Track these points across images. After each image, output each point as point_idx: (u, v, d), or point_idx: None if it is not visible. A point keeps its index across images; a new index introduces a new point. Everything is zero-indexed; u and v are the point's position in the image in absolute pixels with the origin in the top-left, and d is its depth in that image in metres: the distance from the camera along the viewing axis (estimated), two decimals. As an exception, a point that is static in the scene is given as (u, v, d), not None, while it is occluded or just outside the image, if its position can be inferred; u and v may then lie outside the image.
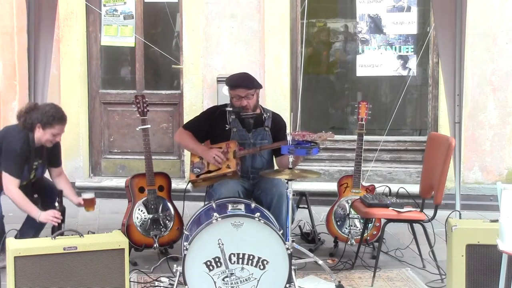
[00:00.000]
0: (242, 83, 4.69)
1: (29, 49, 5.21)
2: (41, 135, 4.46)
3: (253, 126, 4.67)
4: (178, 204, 4.89)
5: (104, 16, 7.06)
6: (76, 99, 7.14)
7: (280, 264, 3.72)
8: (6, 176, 4.41)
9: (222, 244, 3.69)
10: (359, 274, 4.57)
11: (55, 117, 4.47)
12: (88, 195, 4.46)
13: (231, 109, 4.66)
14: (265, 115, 4.78)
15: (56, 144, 4.67)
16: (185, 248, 3.68)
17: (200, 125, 4.79)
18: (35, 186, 4.67)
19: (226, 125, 4.69)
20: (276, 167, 4.90)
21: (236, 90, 4.66)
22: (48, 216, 4.33)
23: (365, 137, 5.06)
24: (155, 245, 4.75)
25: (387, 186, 5.00)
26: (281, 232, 3.81)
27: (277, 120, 4.83)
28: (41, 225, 4.73)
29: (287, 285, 3.75)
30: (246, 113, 4.61)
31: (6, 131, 4.67)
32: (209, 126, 4.75)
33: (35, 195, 4.59)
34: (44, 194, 4.73)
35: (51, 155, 4.69)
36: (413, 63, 6.77)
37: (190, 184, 4.75)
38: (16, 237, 3.73)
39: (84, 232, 3.79)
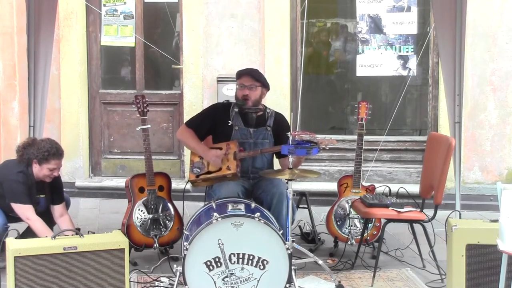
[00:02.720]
0: (248, 72, 4.74)
1: (29, 49, 5.20)
2: (38, 170, 4.48)
3: (255, 124, 4.67)
4: (178, 204, 4.89)
5: (104, 16, 7.06)
6: (76, 99, 7.14)
7: (280, 264, 3.72)
8: (18, 207, 4.41)
9: (222, 244, 3.69)
10: (359, 274, 4.57)
11: (50, 152, 4.47)
12: None
13: (235, 101, 4.68)
14: (267, 114, 4.78)
15: (58, 180, 4.68)
16: (185, 248, 3.68)
17: (202, 122, 4.79)
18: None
19: (229, 121, 4.69)
20: (276, 167, 4.90)
21: (241, 79, 4.68)
22: None
23: (365, 137, 5.05)
24: (155, 245, 4.75)
25: (387, 186, 5.00)
26: (281, 232, 3.81)
27: (279, 119, 4.82)
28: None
29: (287, 285, 3.75)
30: (249, 108, 4.61)
31: (5, 165, 4.70)
32: (212, 123, 4.75)
33: None
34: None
35: (54, 191, 4.68)
36: (413, 63, 6.77)
37: (189, 183, 4.75)
38: (16, 237, 3.73)
39: (84, 232, 3.79)
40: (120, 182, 6.64)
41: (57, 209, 4.66)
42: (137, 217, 4.79)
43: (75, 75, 7.12)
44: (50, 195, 4.65)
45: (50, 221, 4.64)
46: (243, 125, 4.68)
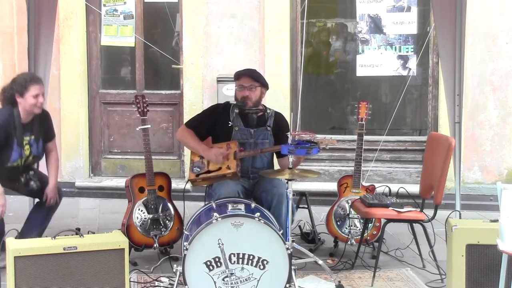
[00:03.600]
0: (247, 72, 4.74)
1: (29, 49, 5.21)
2: (23, 104, 4.51)
3: (256, 124, 4.67)
4: (178, 204, 4.89)
5: (104, 16, 7.06)
6: (76, 99, 7.14)
7: (280, 264, 3.72)
8: None
9: (222, 244, 3.69)
10: (359, 274, 4.57)
11: (27, 79, 4.53)
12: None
13: (235, 102, 4.68)
14: (267, 114, 4.78)
15: (45, 116, 4.72)
16: (185, 248, 3.68)
17: (202, 123, 4.79)
18: (34, 169, 4.70)
19: (229, 122, 4.68)
20: (276, 167, 4.90)
21: (240, 80, 4.68)
22: None
23: (365, 137, 5.05)
24: (155, 245, 4.75)
25: (387, 186, 4.99)
26: (281, 232, 3.81)
27: (279, 119, 4.82)
28: (42, 225, 4.73)
29: (287, 285, 3.75)
30: (249, 109, 4.60)
31: None
32: (212, 124, 4.75)
33: (31, 172, 4.64)
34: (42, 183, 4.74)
35: (44, 128, 4.70)
36: (413, 63, 6.77)
37: (189, 183, 4.75)
38: (16, 237, 3.72)
39: (84, 232, 3.79)
40: (120, 182, 6.64)
41: (47, 145, 4.75)
42: (137, 217, 4.79)
43: (75, 75, 7.12)
44: (42, 134, 4.68)
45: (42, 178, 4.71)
46: (243, 125, 4.67)
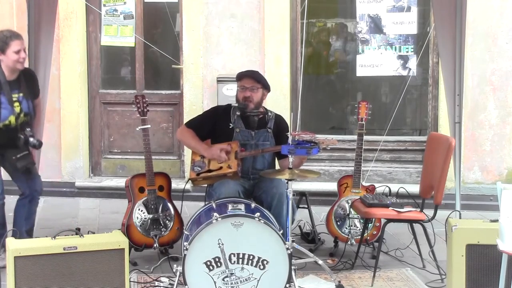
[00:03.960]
0: (249, 74, 4.75)
1: (29, 49, 5.20)
2: (6, 59, 4.51)
3: (257, 126, 4.66)
4: (178, 204, 4.89)
5: (104, 16, 7.06)
6: (76, 99, 7.14)
7: (280, 264, 3.72)
8: None
9: (222, 244, 3.69)
10: (359, 274, 4.57)
11: (6, 36, 4.52)
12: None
13: (236, 104, 4.67)
14: (268, 116, 4.78)
15: (30, 74, 4.74)
16: (185, 248, 3.68)
17: (203, 123, 4.79)
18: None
19: (230, 124, 4.69)
20: (277, 167, 4.90)
21: (242, 81, 4.68)
22: None
23: (365, 137, 5.06)
24: (155, 245, 4.75)
25: (387, 186, 5.00)
26: (281, 232, 3.81)
27: (279, 121, 4.83)
28: (30, 220, 4.73)
29: (287, 285, 3.75)
30: (250, 111, 4.60)
31: None
32: (212, 125, 4.75)
33: (28, 128, 4.63)
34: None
35: (30, 85, 4.71)
36: (413, 63, 6.77)
37: (190, 182, 4.74)
38: (16, 236, 3.73)
39: (84, 232, 3.79)
40: (120, 182, 6.64)
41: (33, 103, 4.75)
42: (137, 217, 4.79)
43: (75, 75, 7.12)
44: (29, 91, 4.68)
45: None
46: (244, 127, 4.68)
